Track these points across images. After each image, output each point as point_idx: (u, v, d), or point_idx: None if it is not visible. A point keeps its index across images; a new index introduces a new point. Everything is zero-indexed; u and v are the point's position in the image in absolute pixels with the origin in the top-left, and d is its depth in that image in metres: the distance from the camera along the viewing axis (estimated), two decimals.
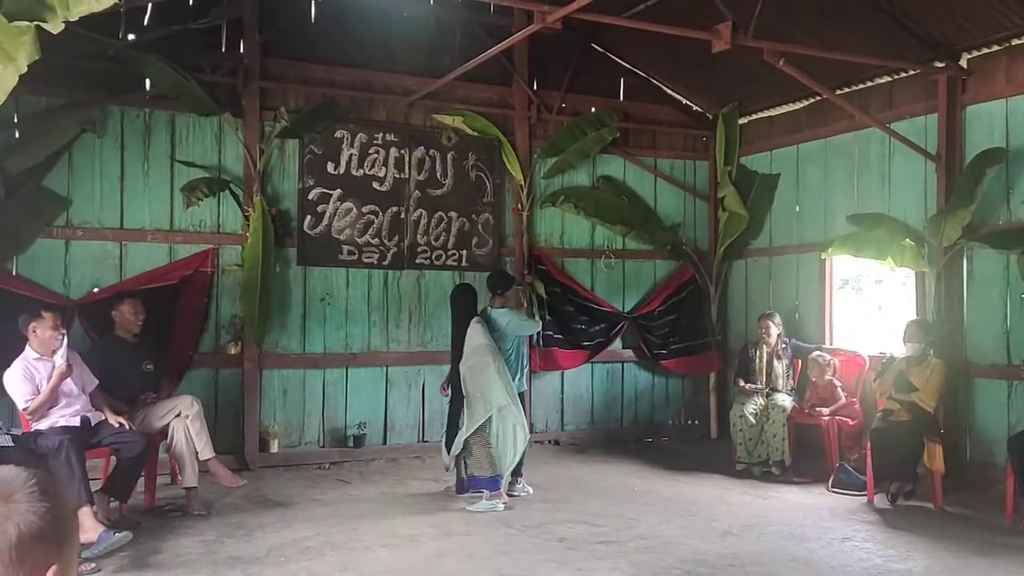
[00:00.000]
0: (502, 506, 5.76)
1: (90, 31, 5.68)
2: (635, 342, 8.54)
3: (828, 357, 6.99)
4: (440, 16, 7.81)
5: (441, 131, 7.80)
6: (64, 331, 5.14)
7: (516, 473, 6.21)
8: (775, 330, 7.20)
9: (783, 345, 7.22)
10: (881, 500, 5.90)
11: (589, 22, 6.96)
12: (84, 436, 4.97)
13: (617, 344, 8.48)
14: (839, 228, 7.38)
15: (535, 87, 8.18)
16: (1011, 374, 6.22)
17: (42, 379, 4.97)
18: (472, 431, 5.83)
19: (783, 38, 6.30)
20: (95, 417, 5.18)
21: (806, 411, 6.85)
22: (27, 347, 5.06)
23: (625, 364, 8.63)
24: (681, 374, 8.74)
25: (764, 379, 7.13)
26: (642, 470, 7.14)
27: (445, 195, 7.79)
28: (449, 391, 6.26)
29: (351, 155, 7.45)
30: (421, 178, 7.71)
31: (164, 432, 5.59)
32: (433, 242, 7.75)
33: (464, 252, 7.86)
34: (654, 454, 7.80)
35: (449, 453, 6.01)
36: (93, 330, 6.29)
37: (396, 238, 7.61)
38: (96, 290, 6.52)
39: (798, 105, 8.06)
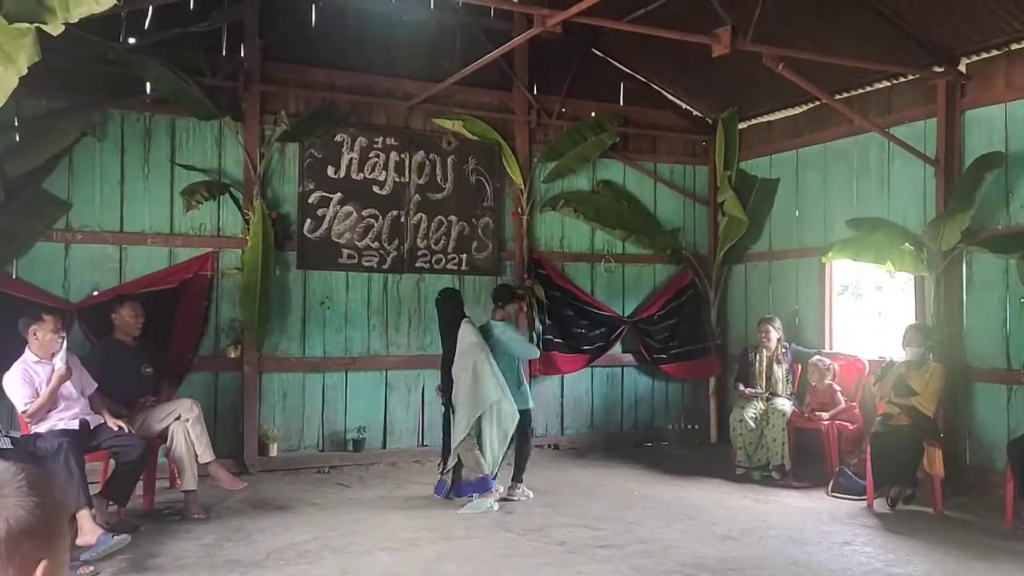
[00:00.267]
0: (496, 505, 5.77)
1: (91, 34, 5.70)
2: (635, 346, 8.54)
3: (828, 361, 6.99)
4: (440, 20, 7.83)
5: (441, 135, 7.81)
6: (64, 334, 5.14)
7: (516, 478, 6.22)
8: (775, 334, 7.21)
9: (783, 350, 7.22)
10: (881, 504, 5.89)
11: (589, 27, 6.99)
12: (83, 439, 4.97)
13: (617, 348, 8.48)
14: (839, 232, 7.38)
15: (535, 91, 8.19)
16: (1011, 378, 6.21)
17: (41, 382, 4.97)
18: (461, 437, 5.83)
19: (782, 42, 6.31)
20: (94, 420, 5.18)
21: (806, 415, 6.85)
22: (27, 350, 5.06)
23: (625, 368, 8.63)
24: (681, 378, 8.73)
25: (764, 383, 7.13)
26: (642, 474, 7.13)
27: (445, 199, 7.80)
28: (443, 394, 6.26)
29: (351, 159, 7.46)
30: (421, 182, 7.72)
31: (163, 435, 5.58)
32: (433, 246, 7.75)
33: (464, 256, 7.86)
34: (654, 458, 7.79)
35: (447, 461, 6.03)
36: (93, 333, 6.29)
37: (396, 242, 7.61)
38: (96, 293, 6.52)
39: (797, 110, 8.08)
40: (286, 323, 7.25)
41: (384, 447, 7.54)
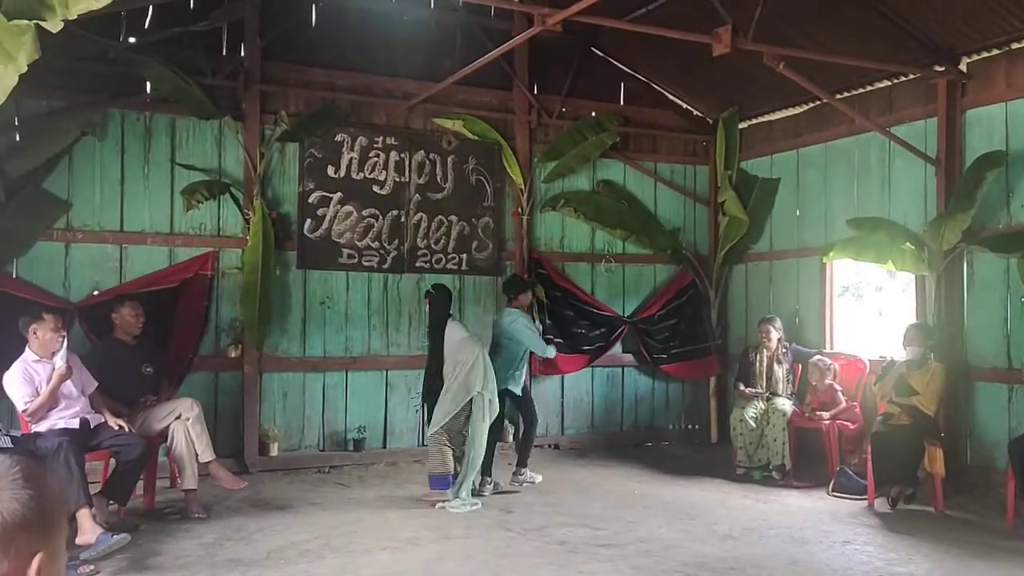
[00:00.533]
0: (478, 503, 5.83)
1: (90, 33, 5.70)
2: (635, 346, 8.54)
3: (828, 361, 6.99)
4: (441, 20, 7.83)
5: (441, 135, 7.80)
6: (64, 333, 5.14)
7: (521, 463, 6.44)
8: (775, 334, 7.20)
9: (783, 349, 7.21)
10: (882, 504, 5.88)
11: (589, 26, 6.99)
12: (83, 438, 4.96)
13: (617, 348, 8.47)
14: (839, 232, 7.38)
15: (535, 91, 8.19)
16: (1012, 378, 6.21)
17: (42, 381, 4.96)
18: (435, 428, 5.85)
19: (783, 42, 6.31)
20: (94, 419, 5.17)
21: (806, 415, 6.84)
22: (27, 349, 5.06)
23: (625, 368, 8.62)
24: (681, 378, 8.73)
25: (764, 383, 7.12)
26: (642, 474, 7.12)
27: (445, 199, 7.80)
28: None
29: (351, 158, 7.45)
30: (421, 182, 7.71)
31: (164, 435, 5.57)
32: (433, 246, 7.75)
33: (464, 256, 7.85)
34: (654, 458, 7.79)
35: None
36: (93, 333, 6.28)
37: (396, 242, 7.61)
38: (96, 293, 6.52)
39: (798, 109, 8.07)
40: (286, 323, 7.25)
41: (384, 447, 7.53)
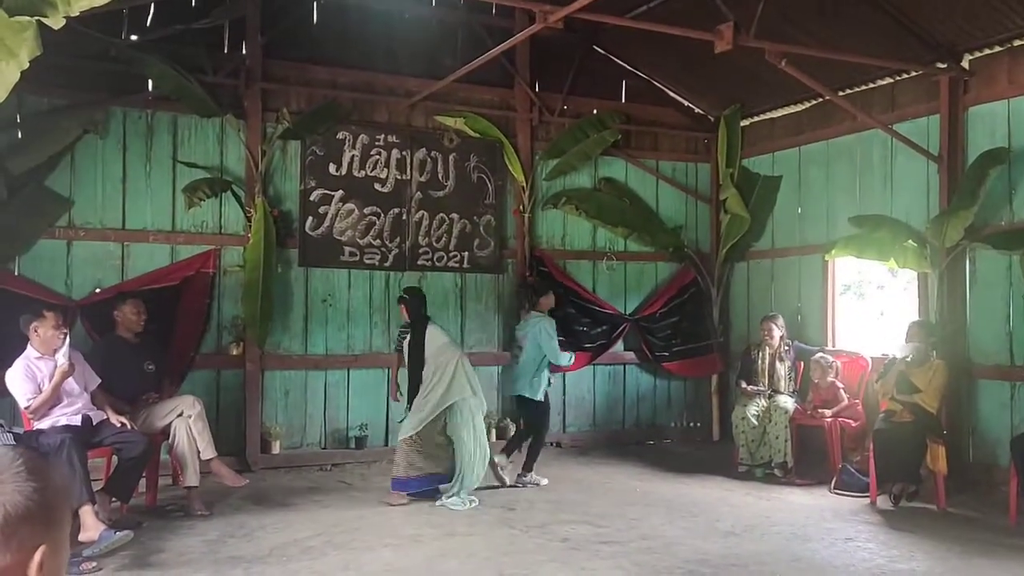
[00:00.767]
0: (475, 501, 5.85)
1: (92, 31, 5.69)
2: (637, 344, 8.53)
3: (830, 359, 6.98)
4: (442, 17, 7.83)
5: (443, 133, 7.80)
6: (66, 330, 5.14)
7: (527, 467, 6.46)
8: (777, 332, 7.20)
9: (785, 347, 7.21)
10: (884, 501, 5.88)
11: (591, 23, 6.97)
12: (86, 435, 4.97)
13: (619, 346, 8.47)
14: (841, 230, 7.37)
15: (537, 89, 8.19)
16: (1014, 375, 6.20)
17: (44, 378, 4.97)
18: (409, 433, 5.82)
19: (785, 39, 6.31)
20: (97, 416, 5.17)
21: (808, 413, 6.84)
22: (29, 346, 5.06)
23: (627, 366, 8.62)
24: (683, 376, 8.73)
25: (766, 381, 7.12)
26: (644, 472, 7.12)
27: (447, 197, 7.79)
28: (402, 397, 6.24)
29: (353, 156, 7.45)
30: (423, 179, 7.71)
31: (166, 432, 5.58)
32: (435, 243, 7.75)
33: (466, 254, 7.85)
34: (656, 456, 7.79)
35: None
36: (95, 330, 6.28)
37: (398, 239, 7.60)
38: (98, 291, 6.52)
39: (800, 107, 8.06)
40: (288, 321, 7.25)
41: (386, 444, 7.52)
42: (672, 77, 8.66)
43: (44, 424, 4.93)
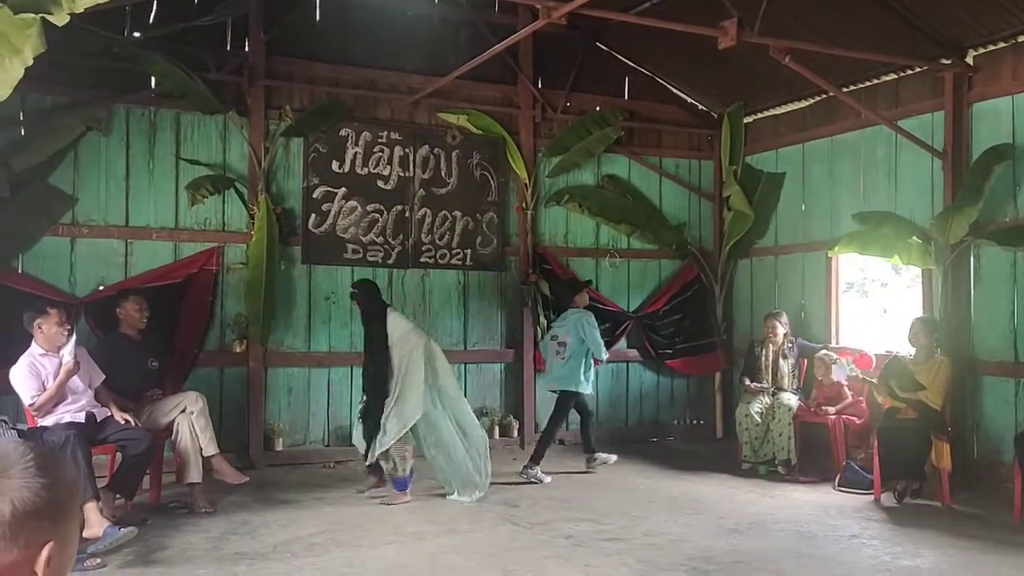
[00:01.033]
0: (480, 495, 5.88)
1: (95, 28, 5.69)
2: (640, 342, 8.52)
3: (834, 356, 6.96)
4: (445, 14, 7.82)
5: (446, 130, 7.79)
6: (70, 327, 5.15)
7: (534, 460, 6.53)
8: (781, 329, 7.18)
9: (789, 344, 7.19)
10: (888, 498, 5.85)
11: (594, 20, 6.97)
12: (90, 432, 4.97)
13: (622, 343, 8.45)
14: (845, 226, 7.35)
15: (540, 86, 8.18)
16: (1018, 372, 6.19)
17: (48, 375, 4.97)
18: (392, 442, 5.67)
19: (789, 35, 6.29)
20: (101, 413, 5.18)
21: (812, 410, 6.82)
22: (33, 343, 5.06)
23: (630, 364, 8.61)
24: (686, 374, 8.72)
25: (770, 378, 7.11)
26: (647, 469, 7.11)
27: (449, 194, 7.79)
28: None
29: (356, 153, 7.45)
30: (425, 177, 7.70)
31: (169, 429, 5.57)
32: (437, 241, 7.74)
33: (468, 251, 7.85)
34: (659, 454, 7.78)
35: (369, 451, 5.78)
36: (99, 328, 6.30)
37: (400, 237, 7.60)
38: (101, 288, 6.52)
39: (804, 103, 8.04)
40: (291, 318, 7.25)
41: None
42: (675, 74, 8.64)
43: (48, 421, 4.94)
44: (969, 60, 6.53)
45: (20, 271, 6.34)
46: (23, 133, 6.29)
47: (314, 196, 7.30)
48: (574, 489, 6.34)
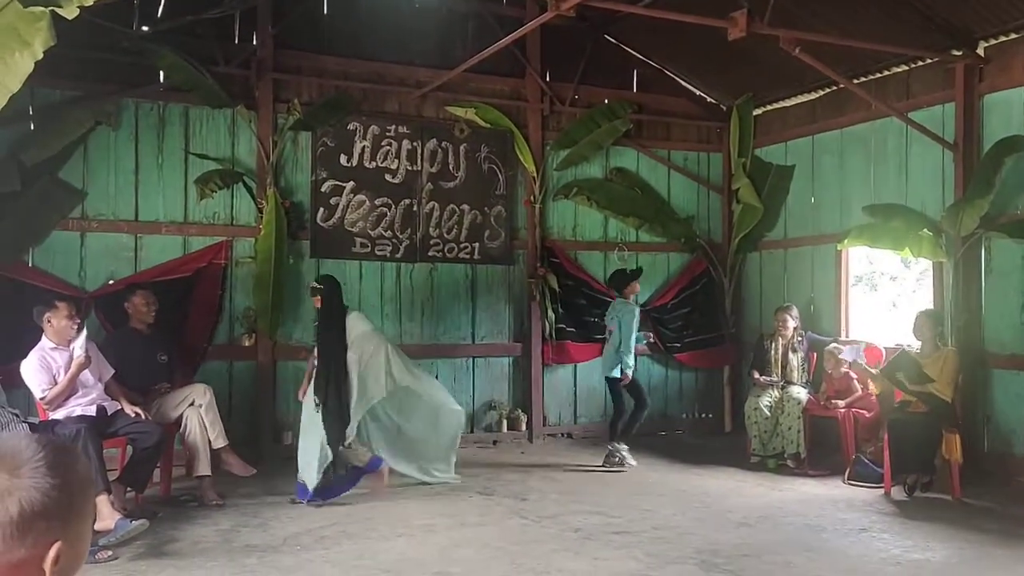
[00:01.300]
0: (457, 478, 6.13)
1: (104, 21, 5.70)
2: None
3: (844, 349, 6.93)
4: (452, 7, 7.81)
5: (453, 123, 7.78)
6: (80, 321, 5.17)
7: (613, 437, 6.82)
8: (792, 323, 7.16)
9: (799, 338, 7.17)
10: (898, 492, 5.85)
11: (602, 12, 6.94)
12: (100, 425, 5.00)
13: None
14: (855, 219, 7.31)
15: (548, 79, 8.15)
16: None
17: (59, 368, 5.00)
18: (350, 440, 5.67)
19: (799, 26, 6.26)
20: (111, 407, 5.21)
21: (822, 403, 6.81)
22: (43, 337, 5.09)
23: (639, 357, 8.56)
24: (695, 367, 8.70)
25: (779, 372, 7.09)
26: (656, 463, 7.11)
27: (457, 187, 7.78)
28: (306, 396, 5.86)
29: (364, 147, 7.45)
30: (433, 170, 7.70)
31: (178, 422, 5.61)
32: (445, 235, 7.74)
33: (476, 245, 7.84)
34: (668, 447, 7.78)
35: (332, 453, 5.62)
36: (109, 322, 6.32)
37: (409, 231, 7.60)
38: (111, 282, 6.55)
39: (813, 95, 8.00)
40: (300, 312, 7.25)
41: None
42: (684, 66, 8.61)
43: (59, 414, 4.97)
44: (980, 51, 6.48)
45: (31, 265, 6.37)
46: (32, 127, 6.31)
47: (322, 190, 7.30)
48: (582, 482, 6.35)
